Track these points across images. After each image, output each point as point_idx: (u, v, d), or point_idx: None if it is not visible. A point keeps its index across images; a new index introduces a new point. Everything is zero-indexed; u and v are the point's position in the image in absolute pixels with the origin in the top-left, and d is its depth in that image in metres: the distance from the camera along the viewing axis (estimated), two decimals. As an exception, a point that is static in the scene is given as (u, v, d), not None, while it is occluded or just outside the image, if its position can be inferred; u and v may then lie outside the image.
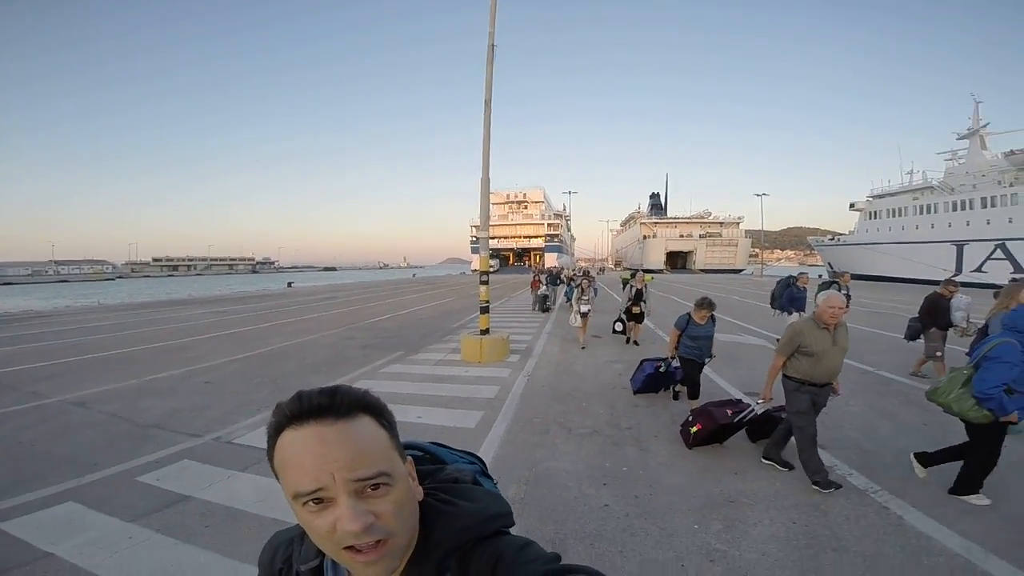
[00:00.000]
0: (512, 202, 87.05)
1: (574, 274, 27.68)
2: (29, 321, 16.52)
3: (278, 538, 0.76)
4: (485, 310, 8.72)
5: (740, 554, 2.78)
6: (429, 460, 0.78)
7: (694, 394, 5.37)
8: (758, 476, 3.80)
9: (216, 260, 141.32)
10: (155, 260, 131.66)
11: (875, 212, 44.04)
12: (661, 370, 5.83)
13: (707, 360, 5.46)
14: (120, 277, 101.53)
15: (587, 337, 9.69)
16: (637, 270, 13.63)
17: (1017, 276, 27.24)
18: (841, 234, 52.79)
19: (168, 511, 3.36)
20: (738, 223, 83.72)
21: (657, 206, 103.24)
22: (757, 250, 72.42)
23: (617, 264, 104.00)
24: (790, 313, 8.65)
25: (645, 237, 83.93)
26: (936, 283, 7.22)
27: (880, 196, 44.90)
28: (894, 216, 41.54)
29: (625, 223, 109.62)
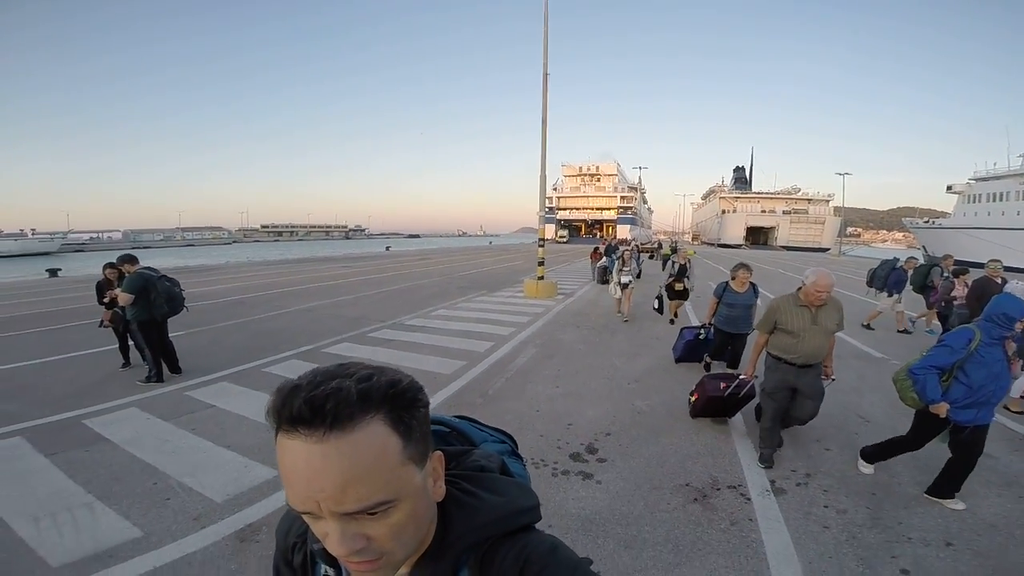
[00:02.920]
0: (585, 175, 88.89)
1: (642, 245, 29.48)
2: (211, 271, 22.70)
3: (287, 518, 0.74)
4: (541, 263, 12.69)
5: (628, 368, 6.48)
6: (456, 438, 0.76)
7: (732, 363, 5.52)
8: (660, 350, 7.44)
9: (314, 227, 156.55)
10: (263, 227, 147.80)
11: (975, 196, 41.66)
12: (700, 337, 5.78)
13: (747, 332, 5.36)
14: (235, 242, 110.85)
15: (630, 311, 9.42)
16: (678, 244, 15.47)
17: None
18: (942, 215, 49.92)
19: (389, 345, 7.72)
20: (827, 200, 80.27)
21: (741, 180, 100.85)
22: (859, 229, 69.95)
23: (695, 238, 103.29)
24: (890, 294, 8.88)
25: (724, 211, 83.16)
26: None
27: (983, 179, 42.12)
28: (995, 201, 39.25)
29: (706, 196, 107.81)
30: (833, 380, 3.82)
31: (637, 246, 22.20)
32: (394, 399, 0.53)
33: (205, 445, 3.97)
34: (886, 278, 8.91)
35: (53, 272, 23.61)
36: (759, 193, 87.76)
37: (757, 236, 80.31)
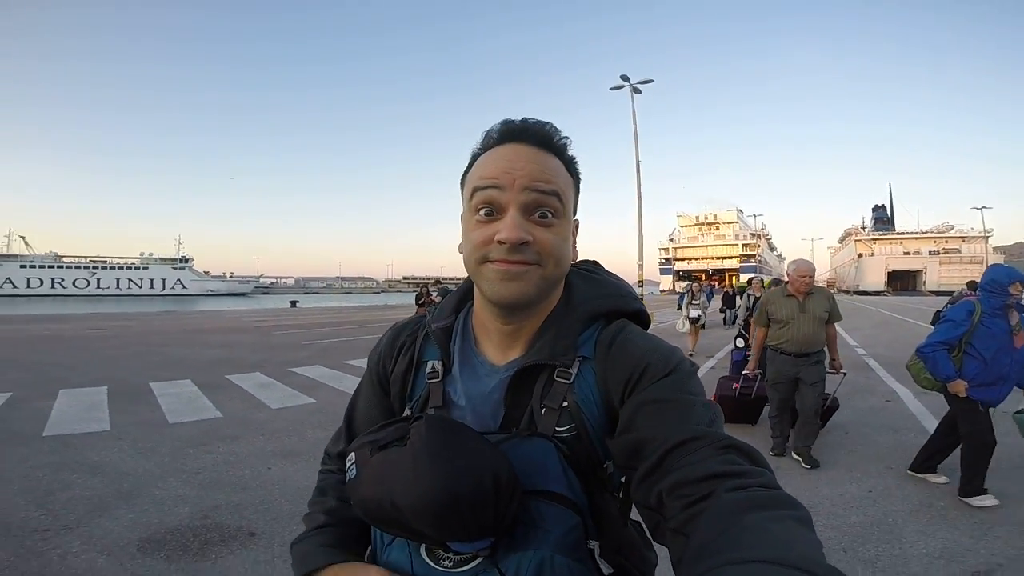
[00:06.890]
0: (702, 224, 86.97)
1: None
2: (394, 309, 30.64)
3: (400, 323, 0.80)
4: (641, 299, 17.67)
5: (680, 342, 11.35)
6: None
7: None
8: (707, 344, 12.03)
9: (445, 279, 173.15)
10: (404, 278, 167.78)
11: None
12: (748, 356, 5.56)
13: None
14: (383, 291, 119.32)
15: (698, 348, 9.70)
16: (754, 276, 15.48)
17: None
18: None
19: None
20: (986, 237, 71.74)
21: (883, 220, 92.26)
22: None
23: (831, 284, 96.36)
24: None
25: (861, 255, 77.72)
26: None
27: None
28: None
29: (842, 240, 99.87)
30: (844, 374, 3.79)
31: (708, 283, 21.16)
32: (572, 162, 0.67)
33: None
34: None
35: (293, 303, 34.43)
36: (901, 234, 79.99)
37: (903, 281, 73.47)
